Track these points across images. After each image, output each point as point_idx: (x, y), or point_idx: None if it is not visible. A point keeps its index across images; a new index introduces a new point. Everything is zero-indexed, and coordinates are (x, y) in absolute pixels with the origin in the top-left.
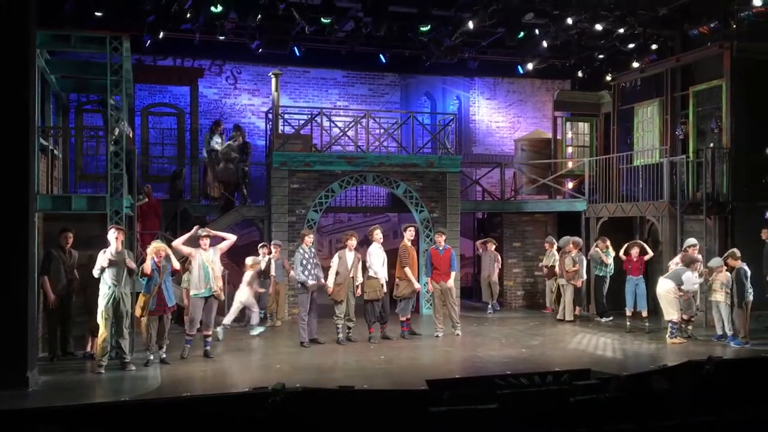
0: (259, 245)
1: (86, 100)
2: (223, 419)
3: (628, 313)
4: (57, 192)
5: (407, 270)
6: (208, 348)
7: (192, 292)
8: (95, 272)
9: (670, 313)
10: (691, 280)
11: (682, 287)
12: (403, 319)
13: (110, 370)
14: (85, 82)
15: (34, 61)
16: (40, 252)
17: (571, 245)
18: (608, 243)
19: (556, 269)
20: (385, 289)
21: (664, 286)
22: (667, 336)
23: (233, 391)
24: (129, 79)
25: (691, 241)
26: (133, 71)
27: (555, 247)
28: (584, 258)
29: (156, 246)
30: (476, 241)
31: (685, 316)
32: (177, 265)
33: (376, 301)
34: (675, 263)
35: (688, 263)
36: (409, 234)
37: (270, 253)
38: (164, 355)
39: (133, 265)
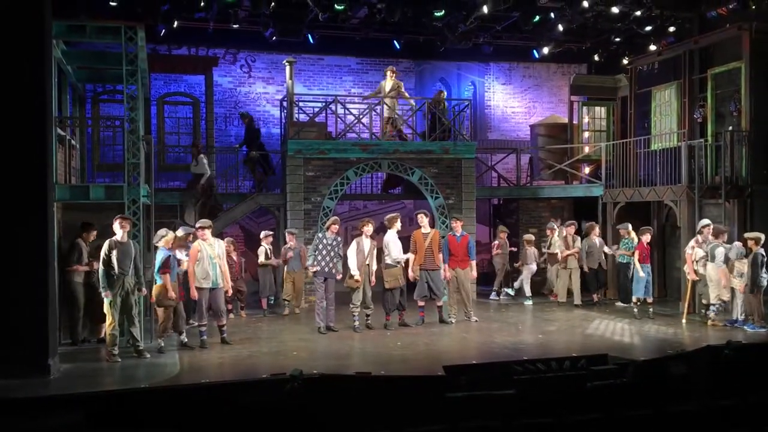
0: (262, 234)
1: (102, 90)
2: (241, 405)
3: (635, 300)
4: (75, 182)
5: (410, 256)
6: (225, 336)
7: (196, 284)
8: (100, 266)
9: (719, 293)
10: (721, 252)
11: (729, 261)
12: (422, 304)
13: (126, 358)
14: (101, 73)
15: (50, 51)
16: (61, 242)
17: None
18: (630, 228)
19: (558, 255)
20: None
21: (714, 269)
22: (710, 315)
23: (251, 377)
24: (144, 69)
25: (704, 221)
26: (148, 60)
27: (556, 233)
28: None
29: (172, 236)
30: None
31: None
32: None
33: (395, 289)
34: (691, 247)
35: (717, 234)
36: (420, 220)
37: (271, 242)
38: (186, 340)
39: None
